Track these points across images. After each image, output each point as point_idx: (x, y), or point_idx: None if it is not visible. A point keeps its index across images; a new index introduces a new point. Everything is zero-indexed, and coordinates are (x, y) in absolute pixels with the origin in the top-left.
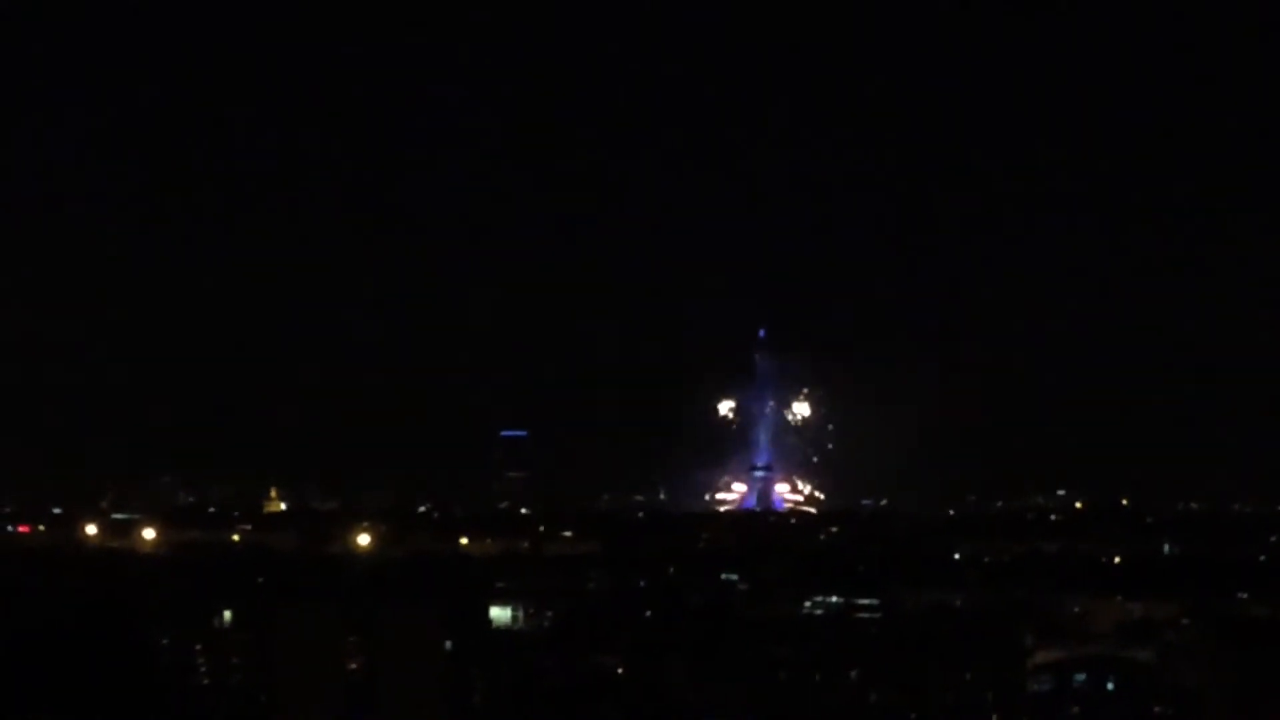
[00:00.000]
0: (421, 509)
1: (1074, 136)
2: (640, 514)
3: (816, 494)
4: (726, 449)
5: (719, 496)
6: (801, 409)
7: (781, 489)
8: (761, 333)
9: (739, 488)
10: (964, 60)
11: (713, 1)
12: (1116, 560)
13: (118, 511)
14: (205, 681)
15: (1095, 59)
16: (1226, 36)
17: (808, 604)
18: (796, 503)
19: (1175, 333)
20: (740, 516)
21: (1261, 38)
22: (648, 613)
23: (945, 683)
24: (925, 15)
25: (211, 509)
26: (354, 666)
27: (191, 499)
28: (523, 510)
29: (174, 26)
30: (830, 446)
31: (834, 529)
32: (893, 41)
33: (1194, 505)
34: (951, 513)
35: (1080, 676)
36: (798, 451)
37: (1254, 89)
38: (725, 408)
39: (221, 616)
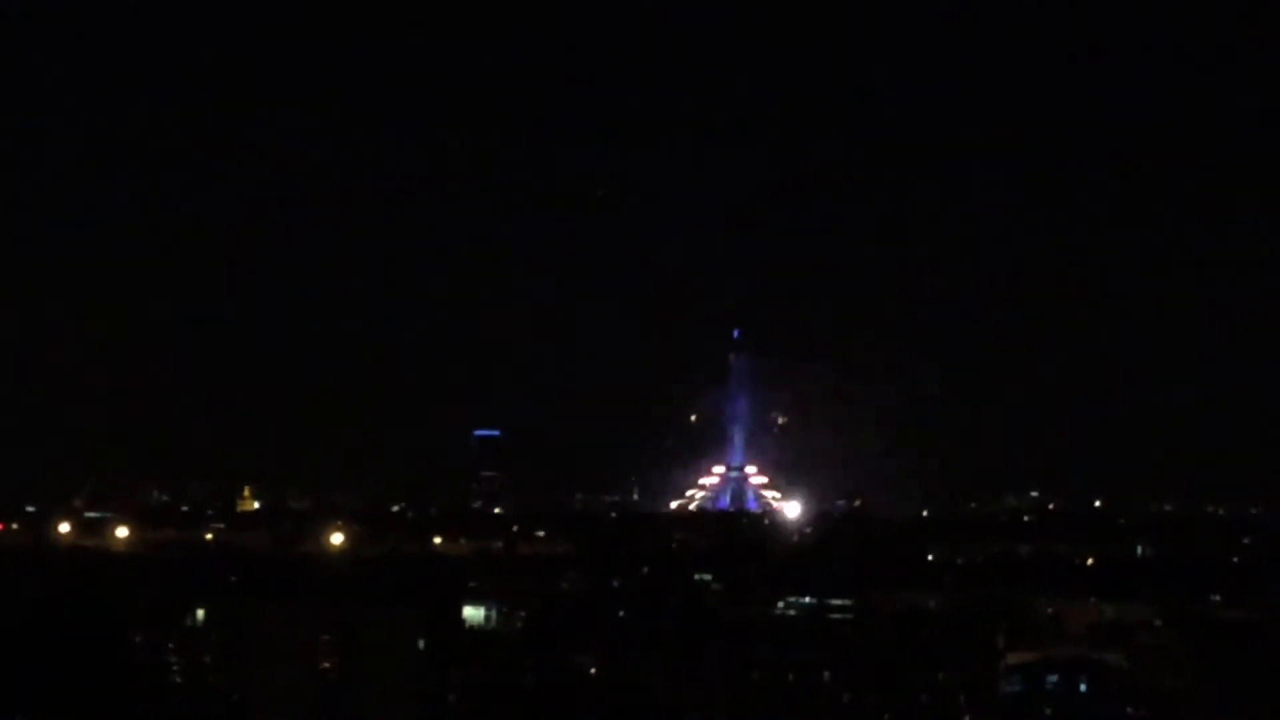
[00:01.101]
0: (395, 508)
1: (1048, 137)
2: (614, 514)
3: (788, 499)
4: (701, 449)
5: (673, 505)
6: (775, 409)
7: (773, 494)
8: (736, 332)
9: (696, 492)
10: (939, 61)
11: (686, 4)
12: (1089, 562)
13: (91, 509)
14: (178, 680)
15: (1067, 58)
16: (1221, 39)
17: (781, 605)
18: (773, 503)
19: (1149, 333)
20: (714, 517)
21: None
22: (622, 613)
23: (918, 683)
24: (900, 18)
25: (185, 507)
26: (327, 666)
27: (165, 497)
28: (496, 510)
29: (173, 26)
30: (798, 445)
31: (808, 530)
32: (868, 45)
33: (1167, 507)
34: (925, 514)
35: (1053, 678)
36: (772, 452)
37: (1221, 98)
38: (696, 408)
39: (195, 615)
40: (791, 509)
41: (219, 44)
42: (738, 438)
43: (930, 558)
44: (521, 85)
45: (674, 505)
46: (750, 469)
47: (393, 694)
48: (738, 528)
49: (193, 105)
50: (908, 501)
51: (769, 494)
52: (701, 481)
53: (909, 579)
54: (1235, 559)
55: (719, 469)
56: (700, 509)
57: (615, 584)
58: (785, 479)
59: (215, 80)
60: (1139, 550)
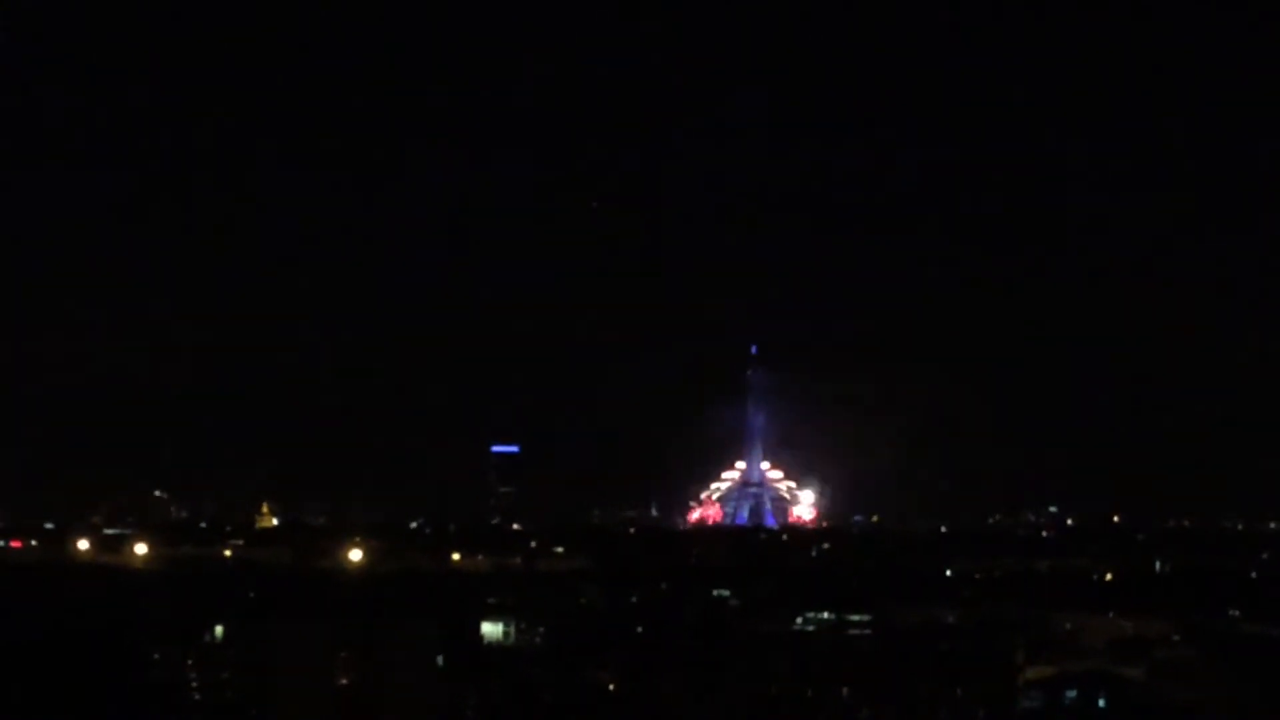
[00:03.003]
0: (414, 524)
1: (1066, 150)
2: (632, 530)
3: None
4: (719, 464)
5: (686, 517)
6: (794, 425)
7: (789, 485)
8: (754, 349)
9: (718, 484)
10: (961, 74)
11: (708, 9)
12: (1108, 577)
13: (110, 526)
14: (197, 697)
15: (1092, 68)
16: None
17: (800, 620)
18: (801, 517)
19: (1169, 350)
20: (733, 532)
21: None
22: (640, 628)
23: (937, 699)
24: (929, 26)
25: (204, 524)
26: (346, 682)
27: (184, 514)
28: (515, 526)
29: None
30: (816, 461)
31: (826, 545)
32: (893, 58)
33: (1185, 522)
34: (944, 529)
35: (1071, 693)
36: (791, 467)
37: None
38: (715, 424)
39: (214, 632)
40: (807, 506)
41: (232, 51)
42: (756, 453)
43: (949, 573)
44: (538, 96)
45: (698, 505)
46: (768, 485)
47: (411, 710)
48: (756, 543)
49: (208, 109)
50: (927, 516)
51: (786, 484)
52: (724, 476)
53: (928, 594)
54: (1253, 574)
55: (740, 464)
56: (708, 524)
57: (634, 599)
58: (804, 494)
59: (227, 87)
60: (1157, 565)
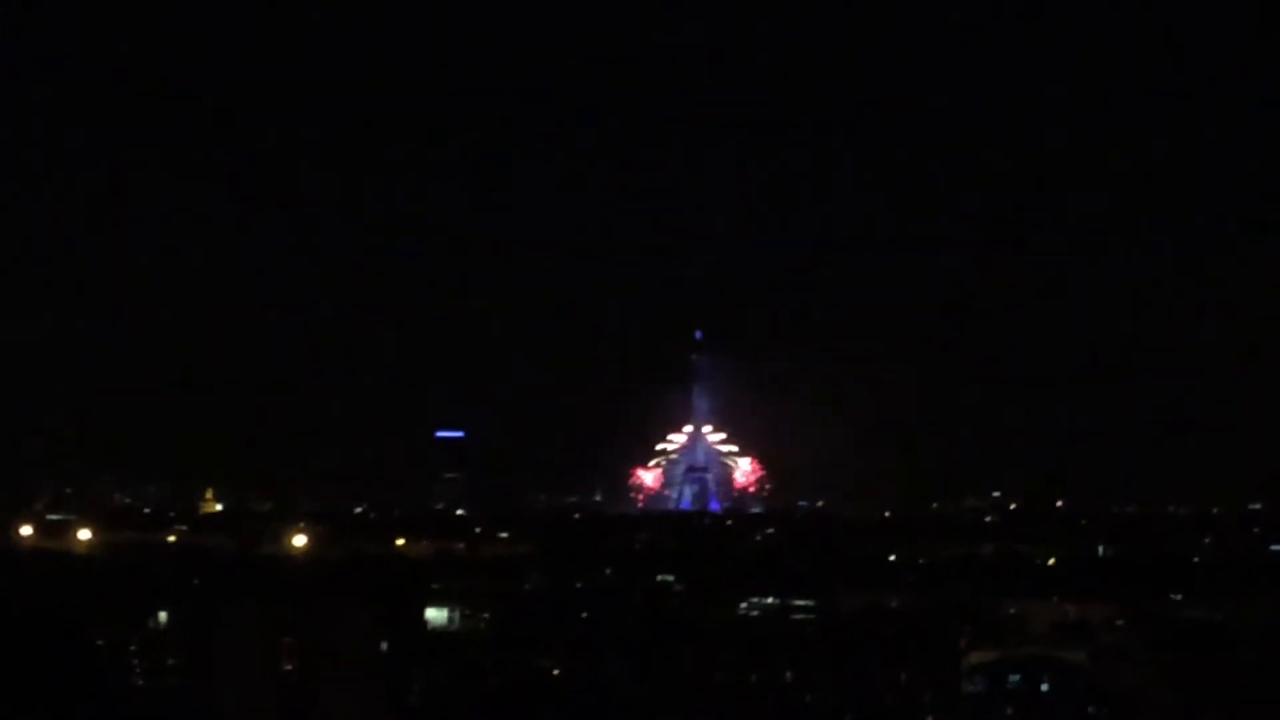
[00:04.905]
0: (358, 510)
1: (1010, 142)
2: (576, 515)
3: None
4: (664, 452)
5: (631, 482)
6: (737, 410)
7: (731, 449)
8: (699, 334)
9: (665, 447)
10: (896, 64)
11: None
12: (1051, 562)
13: (53, 512)
14: (141, 683)
15: (1028, 63)
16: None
17: (744, 605)
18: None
19: (1114, 335)
20: (677, 518)
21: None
22: (584, 614)
23: (881, 684)
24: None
25: (147, 510)
26: (290, 668)
27: (128, 500)
28: (459, 511)
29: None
30: (760, 446)
31: (770, 530)
32: (835, 50)
33: (1128, 507)
34: (887, 514)
35: (1015, 677)
36: (735, 451)
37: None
38: (659, 409)
39: (157, 618)
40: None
41: (210, 43)
42: (700, 438)
43: (893, 558)
44: (493, 91)
45: (634, 507)
46: (713, 470)
47: (355, 695)
48: (700, 528)
49: (168, 102)
50: (870, 502)
51: (729, 448)
52: (670, 437)
53: (871, 579)
54: (1195, 559)
55: (687, 428)
56: (649, 509)
57: (578, 585)
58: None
59: (198, 75)
60: (1100, 550)
